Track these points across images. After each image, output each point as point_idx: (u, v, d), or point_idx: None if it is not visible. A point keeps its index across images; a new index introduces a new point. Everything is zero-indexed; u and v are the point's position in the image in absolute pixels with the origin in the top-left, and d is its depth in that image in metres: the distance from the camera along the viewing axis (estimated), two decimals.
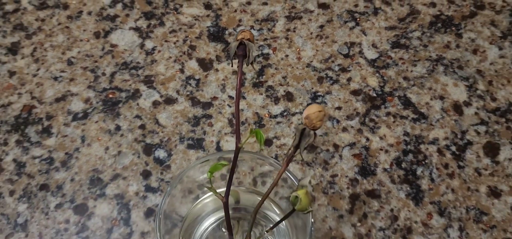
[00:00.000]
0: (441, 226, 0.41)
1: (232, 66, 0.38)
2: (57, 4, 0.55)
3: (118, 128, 0.46)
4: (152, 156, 0.44)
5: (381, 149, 0.45)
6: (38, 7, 0.55)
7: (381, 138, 0.45)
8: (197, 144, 0.45)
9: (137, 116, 0.47)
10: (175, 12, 0.55)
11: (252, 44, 0.32)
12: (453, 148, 0.45)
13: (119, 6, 0.55)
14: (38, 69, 0.50)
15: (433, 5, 0.56)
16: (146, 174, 0.43)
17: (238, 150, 0.32)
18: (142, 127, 0.46)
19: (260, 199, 0.32)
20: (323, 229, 0.40)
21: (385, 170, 0.44)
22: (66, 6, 0.55)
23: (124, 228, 0.40)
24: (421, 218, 0.41)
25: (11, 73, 0.50)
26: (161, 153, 0.44)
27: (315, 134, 0.30)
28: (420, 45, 0.52)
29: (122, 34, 0.53)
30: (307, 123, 0.30)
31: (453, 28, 0.54)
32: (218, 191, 0.32)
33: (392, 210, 0.41)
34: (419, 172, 0.43)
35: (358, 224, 0.41)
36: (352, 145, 0.45)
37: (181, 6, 0.55)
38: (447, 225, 0.41)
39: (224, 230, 0.37)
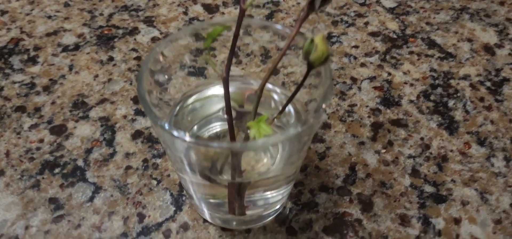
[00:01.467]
0: (482, 155, 0.33)
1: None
2: None
3: (111, 58, 0.40)
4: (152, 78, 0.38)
5: (405, 83, 0.38)
6: None
7: (404, 73, 0.39)
8: (198, 72, 0.38)
9: (133, 50, 0.41)
10: None
11: None
12: (488, 84, 0.38)
13: None
14: (32, 9, 0.45)
15: None
16: (137, 100, 0.37)
17: (242, 13, 0.26)
18: (138, 58, 0.40)
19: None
20: (341, 154, 0.33)
21: (411, 101, 0.36)
22: None
23: (106, 148, 0.33)
24: (457, 147, 0.33)
25: (3, 12, 0.45)
26: (159, 77, 0.38)
27: None
28: None
29: None
30: None
31: None
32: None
33: (422, 138, 0.34)
34: (450, 104, 0.36)
35: (383, 151, 0.33)
36: (372, 79, 0.38)
37: None
38: (490, 155, 0.33)
39: (225, 116, 0.29)
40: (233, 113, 0.30)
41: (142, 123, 0.35)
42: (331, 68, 0.25)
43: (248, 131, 0.26)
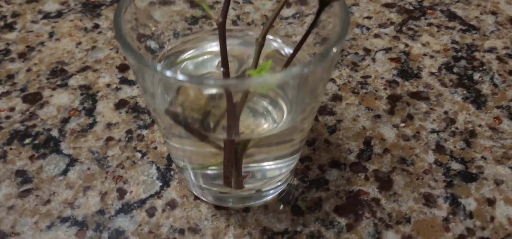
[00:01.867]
0: None
1: None
2: None
3: (96, 26, 0.36)
4: (142, 45, 0.34)
5: (424, 55, 0.34)
6: None
7: (423, 45, 0.35)
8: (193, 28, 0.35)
9: None
10: None
11: None
12: None
13: None
14: None
15: None
16: (123, 68, 0.33)
17: None
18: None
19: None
20: (355, 128, 0.29)
21: (432, 73, 0.32)
22: None
23: (86, 118, 0.29)
24: (486, 122, 0.29)
25: None
26: (152, 44, 0.34)
27: None
28: None
29: None
30: None
31: None
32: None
33: (446, 112, 0.30)
34: (476, 77, 0.32)
35: (402, 124, 0.29)
36: (387, 50, 0.34)
37: None
38: None
39: (221, 69, 0.25)
40: (231, 68, 0.26)
41: (128, 91, 0.31)
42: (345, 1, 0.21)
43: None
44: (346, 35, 0.20)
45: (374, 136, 0.28)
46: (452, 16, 0.37)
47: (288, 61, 0.23)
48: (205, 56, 0.27)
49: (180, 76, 0.17)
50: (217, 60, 0.27)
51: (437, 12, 0.38)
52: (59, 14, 0.37)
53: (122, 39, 0.19)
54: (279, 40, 0.28)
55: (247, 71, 0.23)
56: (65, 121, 0.29)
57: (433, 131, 0.28)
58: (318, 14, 0.21)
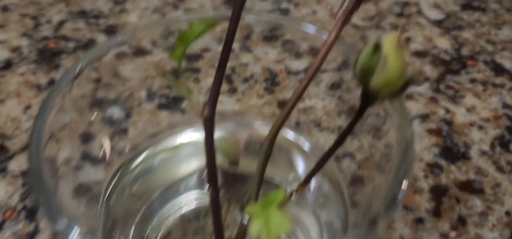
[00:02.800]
0: None
1: None
2: None
3: (52, 81, 0.29)
4: (100, 114, 0.27)
5: (471, 124, 0.27)
6: None
7: (468, 110, 0.28)
8: (173, 104, 0.27)
9: None
10: None
11: None
12: None
13: None
14: None
15: None
16: (86, 137, 0.26)
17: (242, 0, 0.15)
18: (94, 81, 0.29)
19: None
20: None
21: (483, 153, 0.25)
22: None
23: (25, 223, 0.22)
24: None
25: None
26: (116, 112, 0.27)
27: None
28: (501, 9, 0.36)
29: None
30: None
31: None
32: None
33: (508, 213, 0.23)
34: None
35: (452, 233, 0.22)
36: (424, 117, 0.27)
37: None
38: None
39: (206, 191, 0.18)
40: (220, 179, 0.19)
41: (91, 174, 0.24)
42: (406, 108, 0.14)
43: (245, 219, 0.15)
44: (412, 170, 0.13)
45: None
46: (498, 69, 0.31)
47: (307, 179, 0.16)
48: (185, 151, 0.20)
49: None
50: (198, 166, 0.19)
51: (480, 63, 0.31)
52: (8, 65, 0.30)
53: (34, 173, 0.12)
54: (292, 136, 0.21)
55: (244, 205, 0.16)
56: None
57: None
58: (355, 118, 0.14)
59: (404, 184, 0.13)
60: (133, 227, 0.16)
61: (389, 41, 0.12)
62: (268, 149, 0.15)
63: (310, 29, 0.19)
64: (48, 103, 0.15)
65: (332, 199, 0.17)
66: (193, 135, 0.20)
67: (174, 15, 0.34)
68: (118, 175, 0.17)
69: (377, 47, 0.12)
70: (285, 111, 0.14)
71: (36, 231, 0.21)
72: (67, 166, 0.19)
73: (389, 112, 0.15)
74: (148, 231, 0.17)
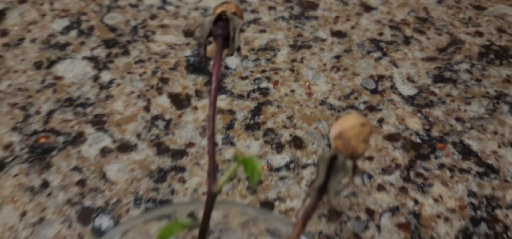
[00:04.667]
0: None
1: (204, 55, 0.20)
2: None
3: (45, 184, 0.31)
4: (90, 225, 0.29)
5: (438, 216, 0.30)
6: None
7: (436, 200, 0.31)
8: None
9: (76, 169, 0.32)
10: (146, 40, 0.42)
11: (240, 21, 0.20)
12: None
13: (73, 33, 0.43)
14: None
15: (479, 34, 0.44)
16: None
17: (212, 197, 0.18)
18: (81, 183, 0.31)
19: None
20: None
21: None
22: (4, 33, 0.43)
23: None
24: None
25: None
26: (104, 221, 0.29)
27: (355, 165, 0.16)
28: (472, 79, 0.39)
29: (71, 64, 0.40)
30: (340, 146, 0.17)
31: (511, 60, 0.41)
32: None
33: None
34: None
35: None
36: (394, 211, 0.30)
37: (154, 33, 0.43)
38: None
39: None
40: None
41: None
42: None
43: None
44: None
45: None
46: (466, 152, 0.34)
47: None
48: None
49: None
50: None
51: (449, 146, 0.34)
52: (1, 166, 0.32)
53: None
54: None
55: None
56: None
57: None
58: None
59: None
60: None
61: None
62: None
63: (284, 226, 0.21)
64: None
65: None
66: None
67: (158, 208, 0.36)
68: None
69: None
70: None
71: None
72: None
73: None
74: None
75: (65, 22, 0.44)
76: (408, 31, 0.44)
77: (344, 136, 0.16)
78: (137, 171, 0.32)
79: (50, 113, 0.36)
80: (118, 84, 0.38)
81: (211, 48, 0.42)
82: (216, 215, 0.29)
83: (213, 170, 0.17)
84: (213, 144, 0.17)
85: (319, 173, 0.17)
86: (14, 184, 0.31)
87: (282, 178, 0.32)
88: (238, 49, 0.19)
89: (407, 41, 0.43)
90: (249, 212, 0.22)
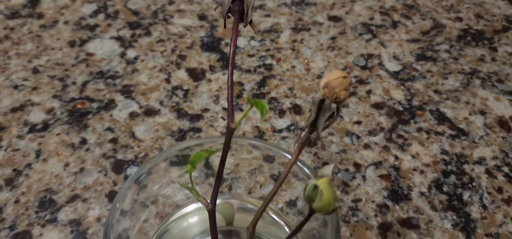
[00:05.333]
0: None
1: (225, 26, 0.27)
2: (30, 14, 0.48)
3: (83, 141, 0.37)
4: (123, 174, 0.34)
5: (414, 169, 0.35)
6: (9, 16, 0.48)
7: (413, 157, 0.36)
8: (182, 161, 0.35)
9: (109, 129, 0.37)
10: (165, 23, 0.47)
11: (252, 0, 0.25)
12: (505, 169, 0.35)
13: (101, 16, 0.48)
14: None
15: (459, 19, 0.49)
16: (113, 196, 0.33)
17: (231, 132, 0.23)
18: (114, 140, 0.37)
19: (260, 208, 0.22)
20: None
21: (422, 194, 0.34)
22: (40, 16, 0.48)
23: None
24: None
25: None
26: (135, 171, 0.35)
27: (338, 107, 0.21)
28: (450, 57, 0.44)
29: (101, 43, 0.45)
30: (326, 93, 0.22)
31: (486, 42, 0.46)
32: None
33: None
34: (466, 197, 0.33)
35: None
36: (377, 164, 0.35)
37: (172, 16, 0.48)
38: None
39: None
40: (220, 236, 0.27)
41: (119, 229, 0.31)
42: (338, 220, 0.22)
43: None
44: None
45: None
46: (441, 118, 0.39)
47: None
48: (194, 218, 0.28)
49: None
50: (203, 229, 0.27)
51: (427, 113, 0.39)
52: (46, 126, 0.37)
53: None
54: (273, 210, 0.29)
55: None
56: None
57: None
58: (304, 221, 0.21)
59: None
60: None
61: (323, 181, 0.19)
62: (252, 231, 0.23)
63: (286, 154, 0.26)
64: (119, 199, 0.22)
65: None
66: (199, 206, 0.28)
67: (183, 144, 0.41)
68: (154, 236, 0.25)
69: (315, 186, 0.19)
70: (263, 205, 0.22)
71: None
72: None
73: (326, 220, 0.23)
74: None
75: (93, 7, 0.49)
76: (396, 16, 0.49)
77: (330, 85, 0.21)
78: (161, 131, 0.37)
79: (84, 84, 0.41)
80: (142, 60, 0.43)
81: (222, 31, 0.47)
82: (228, 164, 0.34)
83: (232, 111, 0.22)
84: (231, 90, 0.22)
85: (311, 112, 0.22)
86: (57, 141, 0.37)
87: (283, 138, 0.37)
88: (251, 22, 0.24)
89: (394, 25, 0.48)
90: (257, 144, 0.26)
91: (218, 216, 0.23)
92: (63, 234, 0.31)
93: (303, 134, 0.22)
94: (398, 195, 0.33)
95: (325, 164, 0.35)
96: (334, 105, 0.21)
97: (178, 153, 0.25)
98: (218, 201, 0.23)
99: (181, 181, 0.27)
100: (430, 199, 0.33)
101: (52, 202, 0.33)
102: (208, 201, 0.23)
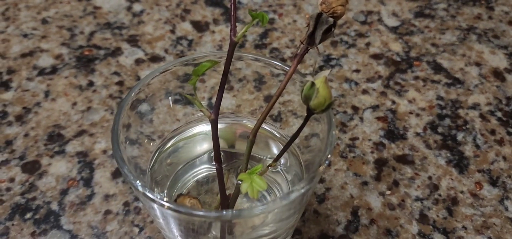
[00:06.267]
0: (494, 197, 0.30)
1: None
2: None
3: (91, 83, 0.37)
4: (133, 111, 0.35)
5: (410, 112, 0.35)
6: None
7: (410, 101, 0.36)
8: (186, 100, 0.36)
9: (115, 73, 0.38)
10: None
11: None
12: (499, 114, 0.36)
13: None
14: (6, 27, 0.42)
15: None
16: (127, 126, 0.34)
17: (233, 45, 0.23)
18: (120, 83, 0.37)
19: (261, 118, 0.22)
20: (343, 197, 0.30)
21: (417, 134, 0.34)
22: None
23: (84, 189, 0.30)
24: (468, 188, 0.31)
25: None
26: (142, 107, 0.35)
27: (334, 22, 0.22)
28: (447, 15, 0.44)
29: None
30: (324, 8, 0.22)
31: (483, 2, 0.46)
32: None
33: (430, 177, 0.31)
34: (460, 137, 0.34)
35: (388, 192, 0.30)
36: (375, 108, 0.36)
37: None
38: (503, 197, 0.30)
39: (213, 164, 0.27)
40: (222, 158, 0.27)
41: (129, 151, 0.32)
42: (332, 116, 0.22)
43: (239, 182, 0.23)
44: (332, 151, 0.21)
45: (361, 205, 0.30)
46: (437, 69, 0.39)
47: (278, 157, 0.24)
48: (199, 138, 0.29)
49: (167, 204, 0.18)
50: (208, 148, 0.28)
51: (424, 63, 0.39)
52: (54, 70, 0.38)
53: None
54: (272, 126, 0.29)
55: (238, 173, 0.25)
56: (64, 192, 0.30)
57: (417, 199, 0.30)
58: (304, 123, 0.22)
59: (329, 157, 0.21)
60: (166, 188, 0.25)
61: (320, 80, 0.20)
62: (253, 138, 0.23)
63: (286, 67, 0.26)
64: (120, 112, 0.23)
65: (294, 165, 0.26)
66: (204, 128, 0.28)
67: (187, 57, 0.42)
68: (157, 153, 0.26)
69: (312, 84, 0.20)
70: (263, 113, 0.23)
71: (92, 194, 0.30)
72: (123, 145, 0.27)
73: (321, 118, 0.23)
74: (176, 190, 0.25)
75: None
76: None
77: (327, 0, 0.22)
78: (167, 75, 0.38)
79: (92, 33, 0.41)
80: (148, 13, 0.44)
81: None
82: (230, 105, 0.35)
83: (234, 25, 0.23)
84: (234, 3, 0.23)
85: (309, 26, 0.22)
86: (66, 83, 0.37)
87: (281, 81, 0.37)
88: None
89: None
90: (259, 58, 0.27)
91: (222, 142, 0.24)
92: (70, 164, 0.32)
93: (301, 47, 0.23)
94: (394, 134, 0.34)
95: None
96: (331, 19, 0.22)
97: (179, 66, 0.26)
98: (220, 126, 0.24)
99: (185, 92, 0.27)
100: (425, 139, 0.34)
101: (60, 136, 0.33)
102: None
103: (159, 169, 0.25)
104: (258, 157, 0.27)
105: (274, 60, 0.26)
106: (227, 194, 0.24)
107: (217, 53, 0.27)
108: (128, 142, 0.25)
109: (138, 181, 0.19)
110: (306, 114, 0.22)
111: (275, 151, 0.27)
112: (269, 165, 0.24)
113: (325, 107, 0.21)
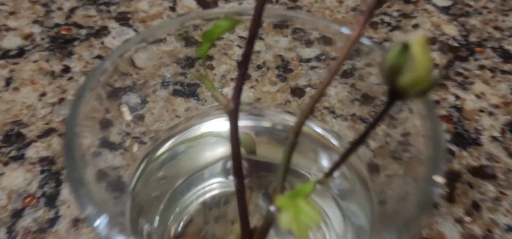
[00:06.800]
0: None
1: None
2: None
3: (66, 69, 0.28)
4: (116, 102, 0.26)
5: (481, 111, 0.27)
6: None
7: (478, 97, 0.28)
8: (187, 91, 0.27)
9: (98, 57, 0.29)
10: None
11: None
12: None
13: None
14: None
15: None
16: (105, 124, 0.25)
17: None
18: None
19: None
20: None
21: (494, 138, 0.25)
22: None
23: (45, 210, 0.21)
24: None
25: None
26: (132, 98, 0.26)
27: None
28: None
29: None
30: None
31: None
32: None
33: None
34: None
35: (466, 218, 0.22)
36: (435, 103, 0.27)
37: None
38: None
39: (230, 179, 0.18)
40: (244, 169, 0.18)
41: (109, 159, 0.23)
42: (433, 105, 0.14)
43: (273, 208, 0.15)
44: (442, 168, 0.13)
45: (432, 236, 0.21)
46: (507, 56, 0.30)
47: (332, 170, 0.15)
48: (209, 140, 0.20)
49: None
50: (221, 154, 0.19)
51: (488, 50, 0.31)
52: (21, 52, 0.29)
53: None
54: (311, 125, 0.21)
55: (268, 193, 0.16)
56: (17, 214, 0.21)
57: (509, 229, 0.21)
58: (382, 112, 0.13)
59: (439, 179, 0.12)
60: (159, 213, 0.16)
61: (416, 40, 0.11)
62: (294, 140, 0.15)
63: (321, 21, 0.18)
64: (82, 95, 0.14)
65: (356, 190, 0.17)
66: (214, 125, 0.20)
67: (190, 16, 0.33)
68: (143, 164, 0.17)
69: (405, 47, 0.11)
70: (310, 104, 0.14)
71: (56, 218, 0.21)
72: (89, 152, 0.18)
73: (413, 107, 0.15)
74: (172, 217, 0.17)
75: None
76: None
77: None
78: (165, 58, 0.29)
79: (72, 10, 0.33)
80: None
81: None
82: (247, 98, 0.26)
83: None
84: None
85: None
86: (34, 68, 0.28)
87: (312, 68, 0.28)
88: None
89: None
90: (290, 14, 0.18)
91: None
92: (30, 174, 0.23)
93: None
94: (464, 139, 0.25)
95: (365, 95, 0.26)
96: None
97: (182, 28, 0.17)
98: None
99: (190, 70, 0.19)
100: (506, 145, 0.25)
101: (20, 136, 0.24)
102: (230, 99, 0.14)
103: (144, 189, 0.16)
104: (295, 169, 0.18)
105: (319, 18, 0.18)
106: (252, 226, 0.15)
107: (232, 13, 0.19)
108: (105, 146, 0.17)
109: (101, 216, 0.10)
110: (387, 99, 0.13)
111: (324, 162, 0.19)
112: (318, 182, 0.15)
113: (425, 88, 0.12)
